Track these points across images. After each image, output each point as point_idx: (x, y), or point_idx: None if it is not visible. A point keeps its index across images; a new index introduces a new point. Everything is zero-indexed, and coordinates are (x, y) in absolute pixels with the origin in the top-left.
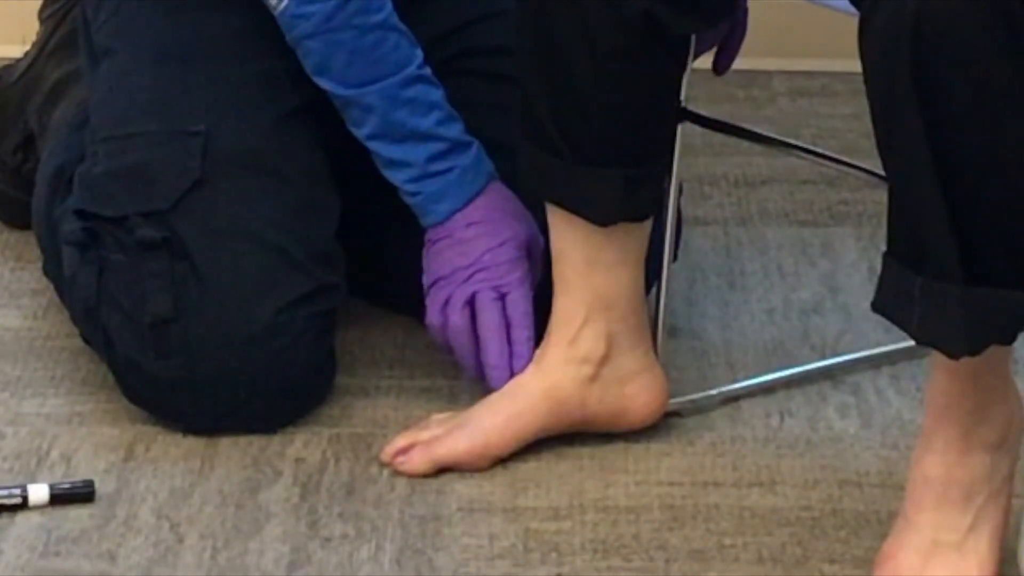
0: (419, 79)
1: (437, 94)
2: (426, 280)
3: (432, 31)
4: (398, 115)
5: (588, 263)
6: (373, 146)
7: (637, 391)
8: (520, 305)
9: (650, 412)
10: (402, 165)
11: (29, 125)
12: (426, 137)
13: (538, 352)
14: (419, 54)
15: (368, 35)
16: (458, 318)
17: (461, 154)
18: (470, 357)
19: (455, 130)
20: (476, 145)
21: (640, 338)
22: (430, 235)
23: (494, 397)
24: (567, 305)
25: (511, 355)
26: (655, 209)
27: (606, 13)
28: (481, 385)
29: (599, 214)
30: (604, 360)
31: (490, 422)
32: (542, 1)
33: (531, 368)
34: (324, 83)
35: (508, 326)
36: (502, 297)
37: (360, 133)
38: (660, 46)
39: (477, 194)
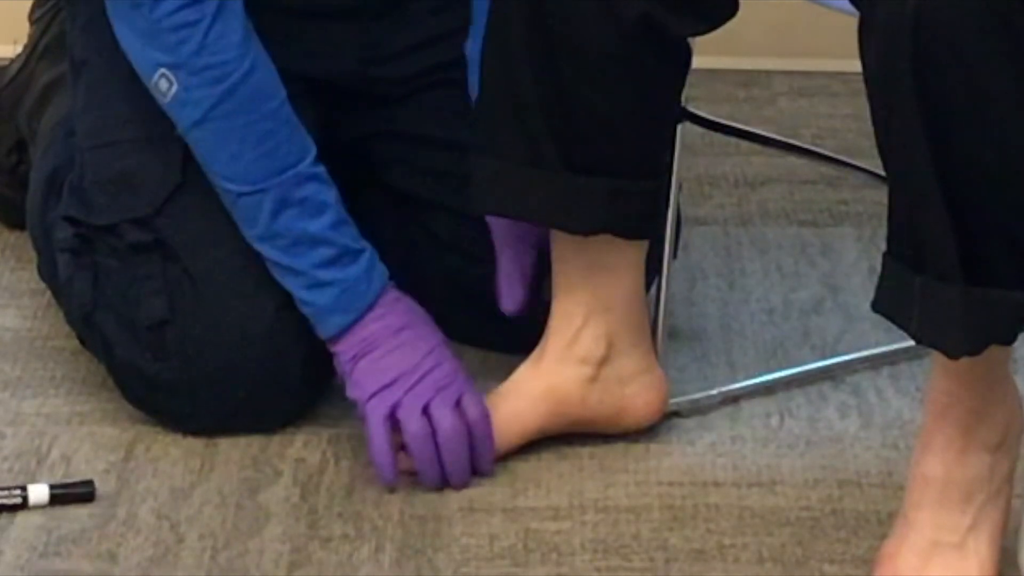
0: (312, 177)
1: (330, 194)
2: (359, 394)
3: (412, 39)
4: (287, 215)
5: (588, 266)
6: (262, 249)
7: (637, 391)
8: (478, 407)
9: (650, 412)
10: (291, 272)
11: (21, 128)
12: (315, 242)
13: (536, 352)
14: (313, 150)
15: (260, 124)
16: (418, 427)
17: (351, 263)
18: (433, 466)
19: (347, 235)
20: (368, 252)
21: (640, 338)
22: (347, 351)
23: (493, 397)
24: (567, 306)
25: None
26: (647, 229)
27: (603, 15)
28: (480, 385)
29: (580, 223)
30: (604, 361)
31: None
32: (539, 2)
33: (529, 368)
34: (213, 179)
35: (468, 428)
36: (457, 402)
37: (250, 235)
38: (658, 51)
39: (371, 306)
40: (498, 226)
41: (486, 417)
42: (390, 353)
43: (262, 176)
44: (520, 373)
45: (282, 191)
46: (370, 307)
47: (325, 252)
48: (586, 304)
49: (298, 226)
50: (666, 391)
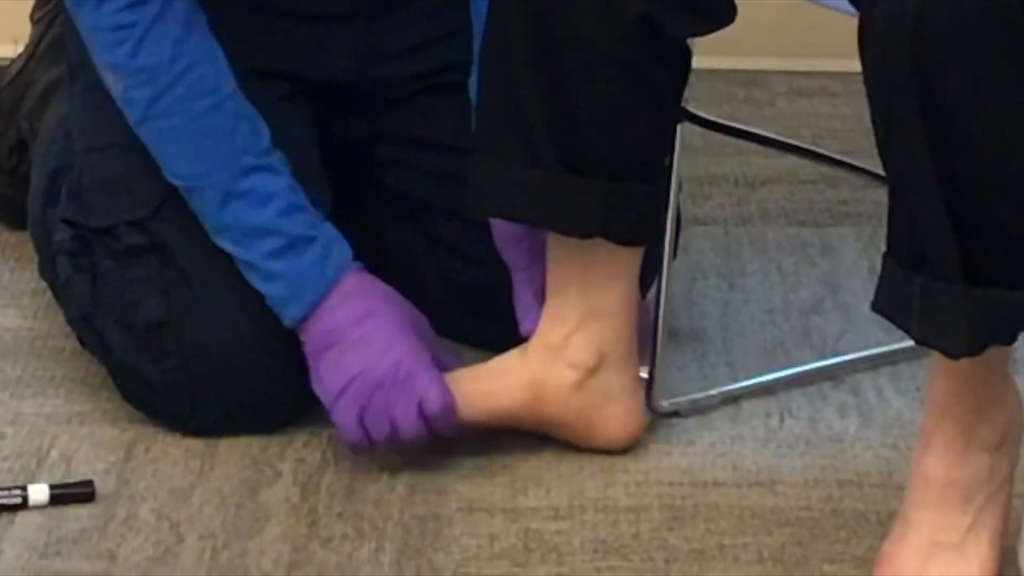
0: (258, 168)
1: (278, 183)
2: (326, 394)
3: (410, 40)
4: (233, 208)
5: (582, 270)
6: (219, 243)
7: (616, 413)
8: (438, 400)
9: (622, 437)
10: (246, 264)
11: (22, 128)
12: (263, 232)
13: (523, 347)
14: (264, 140)
15: (196, 121)
16: (383, 436)
17: (302, 252)
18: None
19: (296, 223)
20: (322, 239)
21: (628, 356)
22: (313, 344)
23: (478, 369)
24: (560, 306)
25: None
26: (642, 235)
27: (603, 15)
28: None
29: (576, 225)
30: (593, 371)
31: (467, 389)
32: (538, 3)
33: (517, 356)
34: (167, 176)
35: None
36: (420, 402)
37: (207, 229)
38: (658, 52)
39: (327, 294)
40: (510, 251)
41: (449, 410)
42: (351, 348)
43: (204, 171)
44: (508, 357)
45: (225, 184)
46: (326, 295)
47: (274, 242)
48: (579, 309)
49: (245, 217)
50: (643, 420)
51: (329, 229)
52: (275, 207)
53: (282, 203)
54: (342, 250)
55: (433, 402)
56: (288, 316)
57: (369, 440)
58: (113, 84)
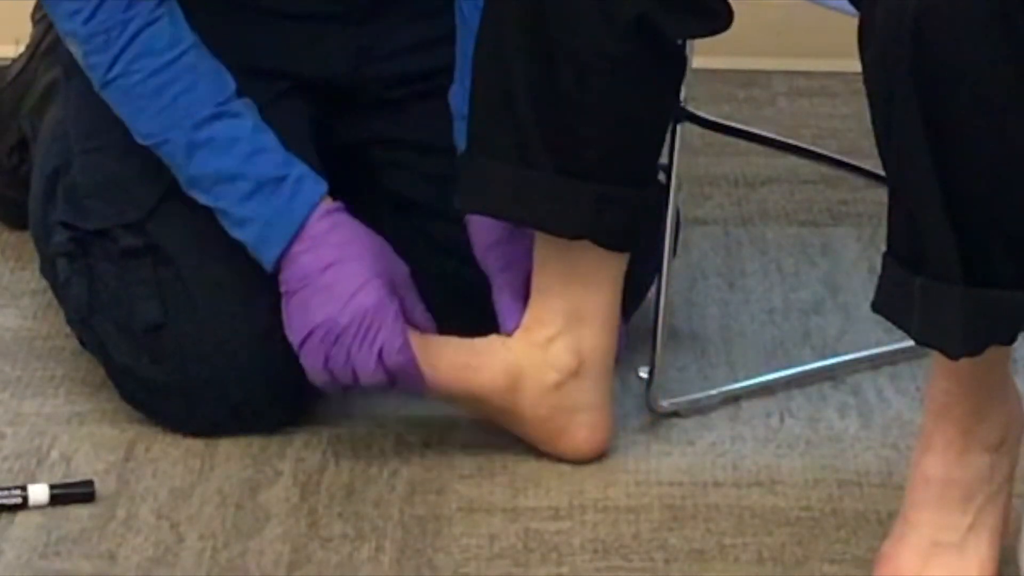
0: (219, 115)
1: (242, 128)
2: (295, 337)
3: (405, 41)
4: (199, 158)
5: (566, 273)
6: (195, 197)
7: (585, 423)
8: (401, 354)
9: (587, 448)
10: (222, 214)
11: (23, 128)
12: (231, 178)
13: (506, 338)
14: (228, 89)
15: (154, 78)
16: (347, 383)
17: (271, 194)
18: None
19: (262, 165)
20: (291, 179)
21: (607, 366)
22: (284, 286)
23: (461, 341)
24: (543, 308)
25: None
26: (629, 241)
27: (600, 16)
28: None
29: (565, 227)
30: (574, 375)
31: (448, 357)
32: (535, 2)
33: (499, 340)
34: (135, 137)
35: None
36: (380, 352)
37: (182, 185)
38: (654, 54)
39: (298, 236)
40: (487, 257)
41: (407, 364)
42: (315, 294)
43: (166, 126)
44: (490, 340)
45: (187, 136)
46: (298, 236)
47: (243, 186)
48: (562, 312)
49: (210, 165)
50: (609, 437)
51: (301, 167)
52: (239, 151)
53: (247, 147)
54: (314, 187)
55: (392, 355)
56: (265, 259)
57: (336, 383)
58: (76, 51)
